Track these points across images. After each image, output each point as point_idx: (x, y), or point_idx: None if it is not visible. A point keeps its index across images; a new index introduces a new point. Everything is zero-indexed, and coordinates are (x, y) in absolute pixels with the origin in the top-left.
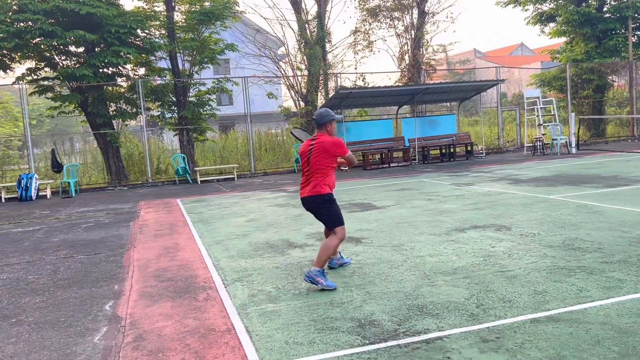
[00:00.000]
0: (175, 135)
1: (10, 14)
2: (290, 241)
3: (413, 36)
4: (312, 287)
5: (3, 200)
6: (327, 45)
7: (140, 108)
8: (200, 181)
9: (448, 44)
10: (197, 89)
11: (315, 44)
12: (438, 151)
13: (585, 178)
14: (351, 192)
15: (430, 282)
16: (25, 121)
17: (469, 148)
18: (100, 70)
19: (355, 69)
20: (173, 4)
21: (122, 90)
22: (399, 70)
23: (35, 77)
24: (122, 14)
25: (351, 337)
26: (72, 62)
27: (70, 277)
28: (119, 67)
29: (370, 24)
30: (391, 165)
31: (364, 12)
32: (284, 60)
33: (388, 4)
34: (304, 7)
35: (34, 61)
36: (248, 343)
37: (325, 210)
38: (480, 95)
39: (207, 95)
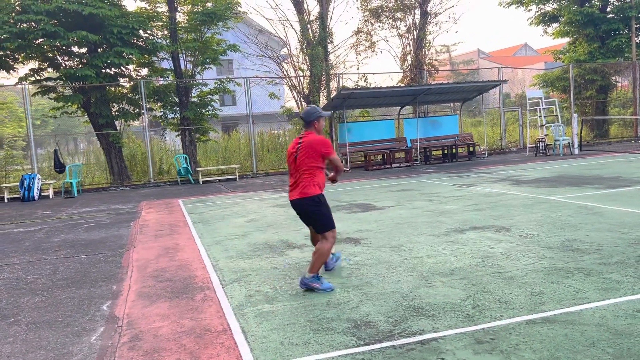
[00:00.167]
0: (178, 135)
1: (13, 14)
2: (290, 242)
3: (415, 37)
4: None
5: (6, 201)
6: (329, 46)
7: (143, 108)
8: (202, 181)
9: (451, 45)
10: (199, 90)
11: (317, 44)
12: (440, 152)
13: (587, 179)
14: (352, 193)
15: (428, 283)
16: (28, 121)
17: (471, 149)
18: (103, 70)
19: (358, 69)
20: (175, 5)
21: (125, 90)
22: (401, 70)
23: (38, 77)
24: (124, 14)
25: (346, 338)
26: (75, 63)
27: (70, 277)
28: (122, 67)
29: (372, 25)
30: (393, 165)
31: (366, 13)
32: (286, 61)
33: (390, 5)
34: (306, 8)
35: (37, 62)
36: (243, 343)
37: (316, 213)
38: (483, 95)
39: (210, 96)
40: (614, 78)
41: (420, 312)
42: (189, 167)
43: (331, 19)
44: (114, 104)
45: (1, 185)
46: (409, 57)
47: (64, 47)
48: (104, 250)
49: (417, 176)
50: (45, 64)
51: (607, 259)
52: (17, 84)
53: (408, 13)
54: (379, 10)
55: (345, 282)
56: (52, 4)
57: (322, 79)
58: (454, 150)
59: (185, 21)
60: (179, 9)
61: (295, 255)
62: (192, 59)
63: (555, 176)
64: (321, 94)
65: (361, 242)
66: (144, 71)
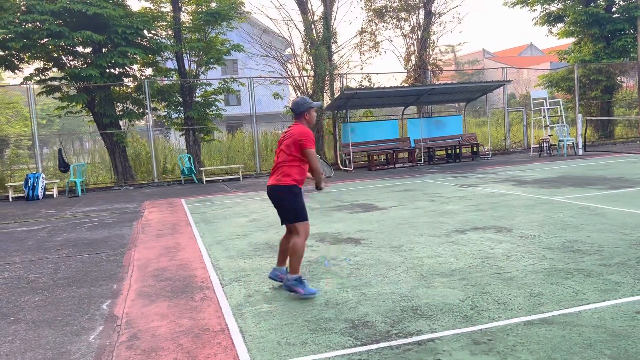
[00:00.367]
0: (182, 135)
1: (18, 14)
2: None
3: (419, 37)
4: None
5: (10, 200)
6: (333, 46)
7: (147, 108)
8: (206, 181)
9: (457, 45)
10: (203, 90)
11: (321, 44)
12: (444, 152)
13: (590, 180)
14: (354, 193)
15: (427, 283)
16: (33, 121)
17: (474, 149)
18: (107, 70)
19: (361, 69)
20: (180, 5)
21: (129, 90)
22: (405, 70)
23: (43, 77)
24: (128, 14)
25: (343, 338)
26: (80, 63)
27: (71, 276)
28: (126, 67)
29: (376, 25)
30: (396, 166)
31: (370, 13)
32: (290, 61)
33: (394, 5)
34: (310, 8)
35: (42, 61)
36: (241, 343)
37: (287, 201)
38: (488, 96)
39: (214, 96)
40: (619, 78)
41: (419, 312)
42: (193, 167)
43: (335, 19)
44: (118, 104)
45: (6, 185)
46: (413, 57)
47: (69, 47)
48: (106, 250)
49: (420, 176)
50: (50, 64)
51: (608, 260)
52: (22, 83)
53: (412, 13)
54: (383, 10)
55: (345, 282)
56: (57, 4)
57: (326, 79)
58: (457, 151)
59: (190, 21)
60: (183, 9)
61: None
62: (196, 58)
63: (558, 177)
64: (325, 94)
65: (362, 242)
66: (148, 71)
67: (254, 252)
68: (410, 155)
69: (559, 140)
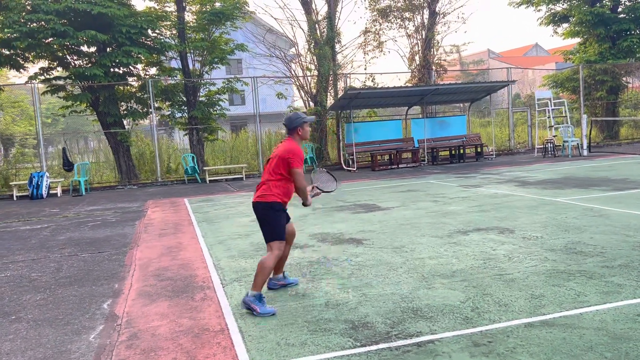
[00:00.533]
0: (186, 134)
1: (23, 14)
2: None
3: (424, 36)
4: (308, 288)
5: (15, 198)
6: (337, 46)
7: (151, 108)
8: (209, 181)
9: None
10: (207, 89)
11: (325, 44)
12: (447, 152)
13: (594, 181)
14: (357, 193)
15: (428, 284)
16: (37, 120)
17: (478, 149)
18: (112, 70)
19: (365, 69)
20: (184, 5)
21: (133, 89)
22: (409, 70)
23: (47, 76)
24: (133, 14)
25: (343, 339)
26: (84, 62)
27: (72, 275)
28: (130, 67)
29: (380, 25)
30: (400, 166)
31: (375, 13)
32: (293, 61)
33: (399, 5)
34: (314, 8)
35: (46, 61)
36: (240, 343)
37: (265, 218)
38: (492, 96)
39: (217, 95)
40: (624, 79)
41: (419, 313)
42: (196, 167)
43: (339, 18)
44: (122, 103)
45: (10, 183)
46: (417, 57)
47: (73, 47)
48: (108, 249)
49: (423, 177)
50: (55, 63)
51: (611, 262)
52: (27, 82)
53: (417, 13)
54: (387, 10)
55: (346, 283)
56: (62, 4)
57: (330, 78)
58: (461, 151)
59: (194, 21)
60: (187, 8)
61: (296, 255)
62: (200, 58)
63: (562, 178)
64: (328, 93)
65: (363, 242)
66: (153, 70)
67: (256, 252)
68: (414, 155)
69: (564, 141)
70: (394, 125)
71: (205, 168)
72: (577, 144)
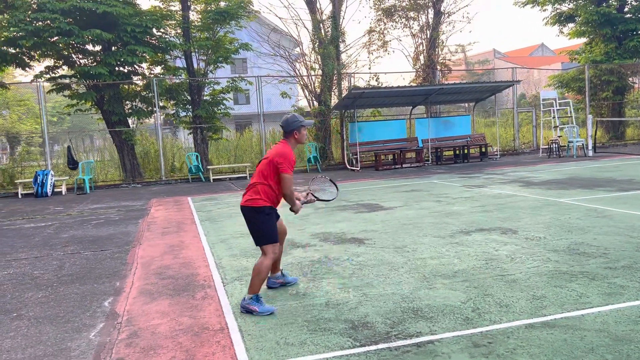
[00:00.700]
0: (190, 133)
1: (29, 12)
2: (294, 241)
3: (428, 36)
4: (309, 287)
5: (20, 196)
6: (341, 45)
7: (155, 106)
8: (213, 179)
9: (467, 44)
10: (211, 88)
11: (329, 43)
12: (452, 152)
13: (599, 181)
14: (360, 193)
15: (429, 284)
16: (43, 118)
17: (483, 149)
18: (116, 68)
19: (369, 69)
20: (189, 4)
21: (138, 88)
22: (414, 70)
23: (53, 75)
24: (138, 13)
25: (342, 339)
26: (89, 61)
27: (75, 273)
28: (135, 65)
29: (385, 24)
30: (403, 166)
31: (379, 12)
32: (298, 60)
33: (404, 4)
34: (318, 7)
35: (52, 59)
36: (239, 342)
37: (255, 223)
38: (498, 96)
39: (222, 95)
40: (631, 79)
41: (419, 314)
42: (200, 165)
43: (343, 18)
44: (127, 102)
45: (15, 181)
46: (421, 57)
47: (79, 45)
48: (111, 247)
49: (427, 176)
50: (60, 62)
51: (614, 263)
52: (32, 81)
53: (421, 12)
54: (392, 10)
55: (346, 282)
56: (67, 3)
57: (334, 78)
58: (465, 151)
59: (199, 20)
60: (192, 7)
61: (298, 255)
62: (205, 57)
63: (566, 178)
64: (332, 93)
65: (365, 242)
66: (157, 69)
67: (257, 251)
68: (418, 155)
69: (569, 142)
70: (398, 125)
71: (209, 167)
72: (582, 144)
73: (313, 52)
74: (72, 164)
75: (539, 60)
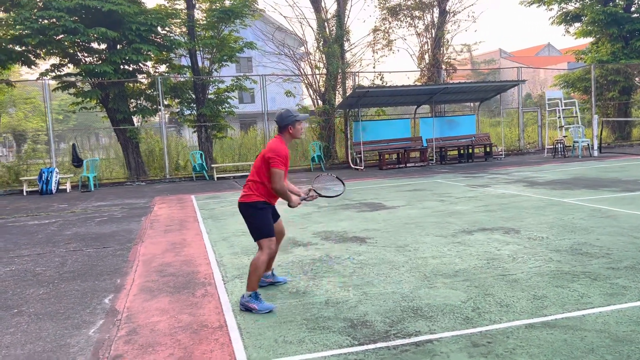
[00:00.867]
0: (194, 132)
1: (35, 10)
2: (296, 239)
3: (433, 35)
4: (309, 286)
5: (25, 193)
6: (346, 44)
7: (160, 105)
8: (217, 178)
9: (473, 44)
10: (216, 87)
11: (333, 42)
12: (456, 152)
13: (604, 182)
14: (363, 192)
15: (430, 284)
16: (48, 116)
17: (487, 149)
18: (121, 67)
19: (374, 68)
20: (194, 2)
21: (143, 87)
22: (419, 69)
23: (58, 73)
24: (143, 11)
25: (341, 338)
26: (94, 59)
27: (76, 270)
28: (140, 64)
29: (390, 23)
30: (407, 165)
31: (384, 11)
32: (302, 59)
33: (409, 3)
34: (323, 6)
35: (57, 57)
36: (238, 340)
37: (250, 218)
38: (503, 95)
39: (226, 93)
40: (637, 79)
41: (419, 313)
42: (204, 164)
43: (348, 17)
44: (132, 100)
45: (21, 179)
46: (426, 56)
47: (84, 44)
48: (113, 244)
49: (430, 176)
50: (66, 60)
51: (616, 264)
52: (38, 79)
53: (426, 11)
54: (397, 9)
55: (347, 281)
56: (73, 1)
57: (338, 77)
58: (470, 151)
59: (203, 18)
60: (197, 6)
61: (299, 253)
62: (210, 56)
63: (571, 178)
64: (337, 92)
65: (367, 241)
66: (162, 68)
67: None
68: (422, 154)
69: (574, 142)
70: (402, 124)
71: (213, 165)
72: (588, 144)
73: (317, 50)
74: (77, 161)
75: (546, 60)
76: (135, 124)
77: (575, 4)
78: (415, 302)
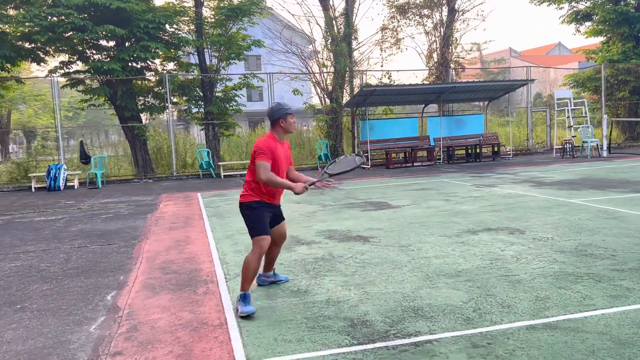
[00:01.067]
0: (202, 130)
1: (44, 8)
2: (299, 238)
3: (442, 34)
4: (311, 285)
5: (33, 190)
6: (354, 43)
7: (168, 102)
8: (224, 176)
9: (482, 43)
10: (223, 85)
11: (341, 40)
12: (464, 151)
13: (612, 182)
14: (369, 191)
15: (431, 284)
16: (57, 113)
17: (495, 149)
18: (129, 64)
19: (382, 66)
20: (202, 0)
21: (151, 84)
22: (427, 68)
23: (67, 70)
24: (151, 9)
25: (340, 337)
26: (103, 56)
27: (80, 267)
28: (148, 61)
29: (398, 21)
30: (414, 164)
31: (393, 9)
32: (310, 57)
33: (417, 1)
34: (331, 4)
35: (66, 55)
36: (237, 338)
37: (245, 217)
38: (513, 95)
39: (234, 91)
40: None
41: (419, 313)
42: (211, 161)
43: (356, 15)
44: (140, 98)
45: (29, 175)
46: (435, 55)
47: (92, 41)
48: (118, 241)
49: (437, 175)
50: (75, 57)
51: (621, 265)
52: (47, 76)
53: (435, 10)
54: (406, 7)
55: (348, 280)
56: None
57: (346, 75)
58: (477, 150)
59: (211, 16)
60: (205, 4)
61: (302, 252)
62: (217, 54)
63: (579, 179)
64: (344, 90)
65: (370, 240)
66: (170, 65)
67: None
68: (429, 154)
69: (583, 142)
70: (410, 123)
71: (220, 163)
72: (597, 144)
73: (325, 49)
74: (85, 158)
75: (556, 59)
76: (143, 122)
77: (586, 2)
78: (417, 302)
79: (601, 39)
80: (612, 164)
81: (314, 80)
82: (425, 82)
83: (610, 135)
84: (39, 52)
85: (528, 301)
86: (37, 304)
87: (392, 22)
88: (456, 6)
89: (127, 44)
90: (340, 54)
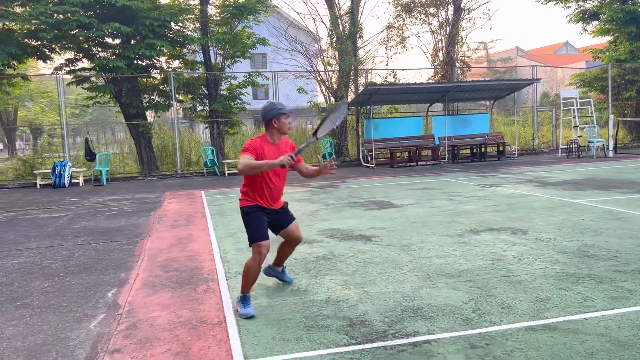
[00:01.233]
0: (207, 127)
1: (50, 5)
2: None
3: (448, 33)
4: (311, 284)
5: (38, 187)
6: (359, 41)
7: (173, 100)
8: (228, 174)
9: (489, 42)
10: (228, 83)
11: (346, 39)
12: (469, 150)
13: (617, 183)
14: (373, 190)
15: (432, 283)
16: (62, 110)
17: (500, 148)
18: (135, 62)
19: (387, 65)
20: None
21: (156, 82)
22: (432, 67)
23: (73, 67)
24: (157, 7)
25: (339, 336)
26: (108, 54)
27: (82, 264)
28: (153, 59)
29: (404, 20)
30: (419, 163)
31: (398, 8)
32: (315, 56)
33: (423, 0)
34: (337, 2)
35: (72, 52)
36: (235, 337)
37: (243, 223)
38: (519, 94)
39: (239, 89)
40: None
41: (419, 313)
42: (215, 159)
43: (362, 13)
44: (145, 95)
45: (34, 172)
46: (440, 54)
47: (98, 38)
48: (120, 239)
49: (441, 175)
50: (80, 55)
51: (623, 267)
52: (52, 73)
53: (441, 8)
54: (412, 6)
55: (349, 279)
56: None
57: (351, 74)
58: (483, 150)
59: (217, 14)
60: (210, 1)
61: (303, 251)
62: (222, 52)
63: (584, 179)
64: (349, 89)
65: (372, 239)
66: (175, 63)
67: None
68: (434, 153)
69: (589, 142)
70: (415, 122)
71: (224, 161)
72: (603, 144)
73: (330, 47)
74: (90, 155)
75: (563, 58)
76: (149, 119)
77: (593, 1)
78: (416, 302)
79: (608, 38)
80: (618, 164)
81: (318, 78)
82: (430, 81)
83: (617, 135)
84: (45, 50)
85: (528, 302)
86: (38, 301)
87: (398, 21)
88: (462, 5)
89: (132, 42)
90: (345, 52)
